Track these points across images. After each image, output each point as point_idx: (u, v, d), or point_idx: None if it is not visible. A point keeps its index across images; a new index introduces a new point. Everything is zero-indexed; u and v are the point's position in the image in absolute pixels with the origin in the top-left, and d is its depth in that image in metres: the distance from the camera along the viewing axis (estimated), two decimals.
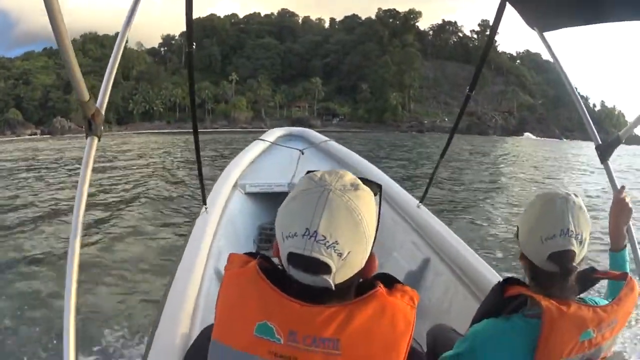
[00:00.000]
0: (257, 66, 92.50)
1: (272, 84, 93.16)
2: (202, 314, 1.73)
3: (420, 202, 3.02)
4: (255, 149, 4.14)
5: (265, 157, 4.14)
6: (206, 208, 2.71)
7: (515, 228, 1.23)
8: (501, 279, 1.28)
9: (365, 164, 3.88)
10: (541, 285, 1.13)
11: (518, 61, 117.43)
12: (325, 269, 0.80)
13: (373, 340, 0.80)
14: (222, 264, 2.15)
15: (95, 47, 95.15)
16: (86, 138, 1.20)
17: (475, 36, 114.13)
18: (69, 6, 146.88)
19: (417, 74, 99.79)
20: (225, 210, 3.05)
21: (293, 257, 0.81)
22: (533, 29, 1.97)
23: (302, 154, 3.95)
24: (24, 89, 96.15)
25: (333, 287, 0.80)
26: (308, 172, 0.91)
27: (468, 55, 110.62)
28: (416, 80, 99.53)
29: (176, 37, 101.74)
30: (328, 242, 0.79)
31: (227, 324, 0.87)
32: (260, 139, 4.26)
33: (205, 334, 1.01)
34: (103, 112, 1.22)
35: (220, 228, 2.71)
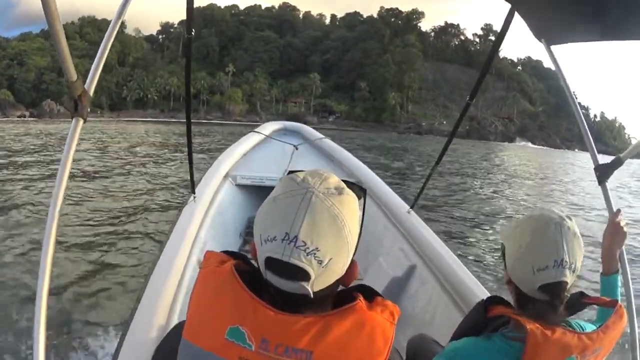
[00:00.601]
0: (254, 59, 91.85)
1: (269, 77, 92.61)
2: (180, 306, 1.71)
3: (411, 207, 3.01)
4: (249, 140, 4.11)
5: (259, 150, 4.12)
6: (194, 197, 2.68)
7: (500, 245, 1.17)
8: (486, 295, 1.27)
9: (358, 164, 3.86)
10: (528, 311, 1.09)
11: (519, 67, 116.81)
12: (304, 275, 0.77)
13: (348, 355, 0.77)
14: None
15: (92, 30, 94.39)
16: (71, 118, 1.17)
17: (477, 40, 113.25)
18: None
19: (417, 75, 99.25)
20: (214, 200, 3.03)
21: (271, 262, 0.78)
22: (540, 41, 1.99)
23: (297, 149, 3.95)
24: (17, 70, 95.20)
25: (311, 295, 0.78)
26: (290, 172, 0.87)
27: (469, 59, 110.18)
28: (416, 81, 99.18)
29: (175, 25, 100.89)
30: (308, 248, 0.76)
31: (198, 324, 0.83)
32: (256, 131, 4.25)
33: (178, 330, 0.97)
34: (91, 94, 1.18)
35: (207, 218, 2.69)
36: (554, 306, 1.07)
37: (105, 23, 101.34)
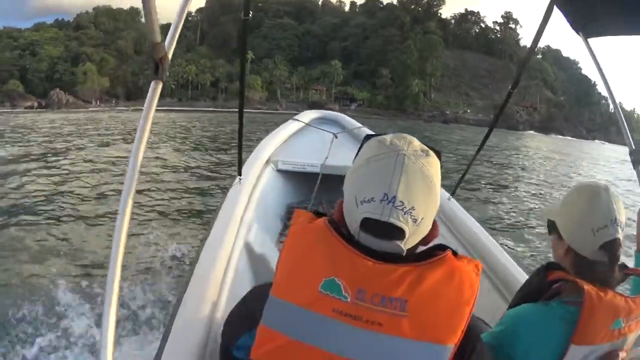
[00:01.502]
0: (273, 46, 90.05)
1: (289, 65, 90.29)
2: (229, 284, 1.79)
3: (451, 194, 3.08)
4: (289, 128, 4.18)
5: (299, 137, 4.20)
6: (240, 179, 2.79)
7: (548, 224, 1.27)
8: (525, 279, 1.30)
9: None
10: (585, 275, 1.16)
11: (539, 56, 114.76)
12: (400, 234, 0.79)
13: (439, 303, 0.79)
14: (251, 237, 2.41)
15: (108, 20, 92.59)
16: (150, 81, 1.19)
17: (497, 28, 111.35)
18: None
19: (439, 63, 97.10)
20: (257, 184, 3.12)
21: (368, 223, 0.80)
22: (578, 34, 2.04)
23: (336, 137, 3.99)
24: (29, 60, 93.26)
25: (404, 253, 0.80)
26: (368, 135, 0.90)
27: (489, 46, 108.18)
28: (438, 68, 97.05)
29: (192, 14, 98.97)
30: (405, 207, 0.78)
31: (289, 280, 0.84)
32: (295, 119, 4.34)
33: (256, 294, 1.00)
34: (169, 58, 1.19)
35: (251, 201, 2.77)
36: (612, 265, 1.14)
37: (120, 13, 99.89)
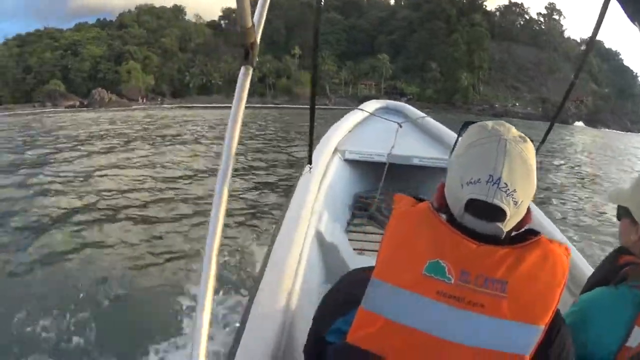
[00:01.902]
0: (321, 41, 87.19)
1: (337, 60, 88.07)
2: (302, 274, 1.85)
3: None
4: (354, 117, 4.20)
5: (365, 127, 4.23)
6: (310, 168, 2.83)
7: (618, 210, 1.27)
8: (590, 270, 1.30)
9: None
10: None
11: (582, 47, 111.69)
12: (502, 216, 0.82)
13: (536, 285, 0.81)
14: (322, 226, 2.48)
15: (151, 18, 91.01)
16: (240, 67, 1.19)
17: (541, 19, 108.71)
18: None
19: (486, 55, 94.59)
20: (326, 173, 3.18)
21: (474, 203, 0.83)
22: (634, 24, 1.98)
23: (400, 127, 4.00)
24: (71, 60, 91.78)
25: (503, 235, 0.84)
26: (466, 122, 0.95)
27: (534, 38, 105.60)
28: (486, 61, 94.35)
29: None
30: (508, 189, 0.81)
31: (393, 263, 0.85)
32: (359, 109, 4.36)
33: (350, 279, 1.04)
34: (258, 43, 1.20)
35: (321, 190, 2.85)
36: None
37: (163, 11, 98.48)
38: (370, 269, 0.88)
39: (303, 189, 2.52)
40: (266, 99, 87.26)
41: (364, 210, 3.35)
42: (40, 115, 51.92)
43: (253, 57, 1.16)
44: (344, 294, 0.99)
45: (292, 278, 1.70)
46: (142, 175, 10.95)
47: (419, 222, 0.86)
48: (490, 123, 0.90)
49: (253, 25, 1.11)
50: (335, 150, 3.60)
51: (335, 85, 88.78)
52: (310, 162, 2.80)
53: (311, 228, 2.21)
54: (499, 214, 0.82)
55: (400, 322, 0.82)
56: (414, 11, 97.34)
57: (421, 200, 0.93)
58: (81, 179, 10.42)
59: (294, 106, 78.54)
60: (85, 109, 73.19)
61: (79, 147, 17.22)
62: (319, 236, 2.36)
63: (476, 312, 0.80)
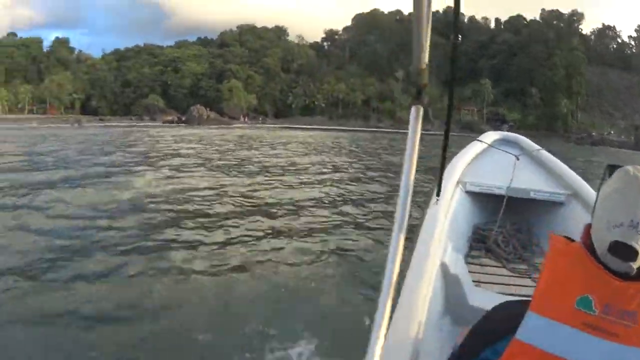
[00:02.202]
0: None
1: (440, 84, 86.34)
2: (428, 303, 1.96)
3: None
4: (474, 149, 4.42)
5: (483, 159, 4.42)
6: (437, 200, 2.96)
7: None
8: None
9: (575, 177, 4.09)
10: None
11: None
12: (635, 256, 0.94)
13: None
14: (446, 256, 2.60)
15: (252, 38, 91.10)
16: (410, 107, 1.26)
17: (632, 43, 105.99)
18: None
19: (583, 80, 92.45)
20: (450, 205, 3.37)
21: (616, 245, 0.94)
22: None
23: (518, 159, 4.19)
24: (171, 76, 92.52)
25: (633, 273, 0.96)
26: (610, 165, 1.08)
27: (627, 62, 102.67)
28: (583, 86, 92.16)
29: (339, 32, 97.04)
30: None
31: (549, 297, 0.97)
32: (478, 140, 4.58)
33: (499, 311, 1.15)
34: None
35: (446, 221, 3.00)
36: None
37: (265, 31, 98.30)
38: (525, 302, 1.00)
39: (432, 220, 2.63)
40: (370, 122, 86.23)
41: (481, 242, 3.44)
42: (136, 127, 56.10)
43: (424, 97, 1.21)
44: (496, 325, 1.08)
45: (424, 309, 1.77)
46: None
47: (573, 260, 0.98)
48: (631, 169, 1.00)
49: (427, 67, 1.15)
50: (458, 182, 3.76)
51: (438, 110, 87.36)
52: (438, 194, 2.76)
53: (436, 259, 2.33)
54: (633, 254, 0.93)
55: (554, 354, 0.92)
56: (514, 35, 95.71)
57: (570, 240, 1.05)
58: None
59: (400, 130, 77.61)
60: (182, 124, 72.83)
61: (168, 160, 18.43)
62: (443, 267, 2.48)
63: (612, 341, 0.91)
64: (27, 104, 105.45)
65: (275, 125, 77.69)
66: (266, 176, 13.01)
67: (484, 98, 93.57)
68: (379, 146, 32.31)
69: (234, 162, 16.57)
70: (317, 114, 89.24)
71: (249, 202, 9.38)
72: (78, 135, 37.04)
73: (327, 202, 9.79)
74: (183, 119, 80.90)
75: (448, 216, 3.09)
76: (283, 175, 13.66)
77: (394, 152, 27.79)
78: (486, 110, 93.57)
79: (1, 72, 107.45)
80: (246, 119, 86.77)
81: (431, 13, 1.00)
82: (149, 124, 72.99)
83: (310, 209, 8.70)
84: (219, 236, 6.62)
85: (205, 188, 10.86)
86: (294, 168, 16.15)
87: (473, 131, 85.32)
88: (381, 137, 47.26)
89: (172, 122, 78.88)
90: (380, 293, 1.02)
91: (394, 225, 1.09)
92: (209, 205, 8.79)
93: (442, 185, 2.74)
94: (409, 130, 1.23)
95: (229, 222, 7.60)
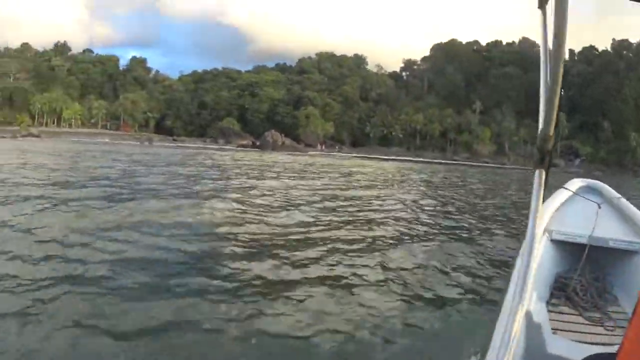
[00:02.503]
0: (500, 96, 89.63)
1: (517, 116, 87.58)
2: (513, 350, 2.08)
3: None
4: (560, 196, 4.54)
5: (568, 206, 4.50)
6: (527, 248, 2.91)
7: None
8: None
9: None
10: None
11: None
12: None
13: None
14: (532, 303, 2.76)
15: (332, 66, 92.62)
16: (534, 170, 1.39)
17: None
18: (303, 26, 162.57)
19: None
20: (537, 252, 3.47)
21: None
22: None
23: (600, 207, 4.20)
24: (248, 100, 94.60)
25: None
26: None
27: None
28: None
29: (418, 62, 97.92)
30: None
31: (635, 354, 1.03)
32: (564, 188, 4.73)
33: None
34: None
35: (532, 269, 3.03)
36: None
37: (345, 59, 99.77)
38: (610, 356, 1.07)
39: (521, 268, 2.66)
40: (446, 154, 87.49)
41: (562, 291, 3.50)
42: (209, 149, 59.82)
43: (548, 162, 1.25)
44: None
45: (510, 357, 1.91)
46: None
47: None
48: None
49: (554, 134, 1.17)
50: (545, 230, 3.85)
51: (514, 143, 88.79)
52: (529, 243, 2.95)
53: (523, 307, 2.41)
54: None
55: None
56: (587, 65, 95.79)
57: None
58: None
59: (474, 163, 78.35)
60: (256, 149, 74.75)
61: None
62: (528, 315, 2.60)
63: None
64: (100, 119, 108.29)
65: (351, 154, 79.23)
66: (336, 211, 11.75)
67: (558, 132, 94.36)
68: (457, 179, 32.26)
69: (293, 193, 15.35)
70: (395, 144, 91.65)
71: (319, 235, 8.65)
72: (146, 153, 40.25)
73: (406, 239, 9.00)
74: (257, 143, 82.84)
75: (535, 264, 3.19)
76: (353, 207, 12.71)
77: (467, 185, 27.98)
78: (560, 143, 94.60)
79: (76, 88, 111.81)
80: (323, 147, 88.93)
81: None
82: (223, 146, 79.05)
83: (387, 248, 7.95)
84: (268, 272, 6.09)
85: (258, 216, 10.12)
86: (365, 198, 15.43)
87: None
88: (454, 170, 47.37)
89: (246, 146, 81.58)
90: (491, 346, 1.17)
91: (512, 279, 1.74)
92: (269, 237, 8.12)
93: (531, 233, 2.99)
94: (533, 191, 1.38)
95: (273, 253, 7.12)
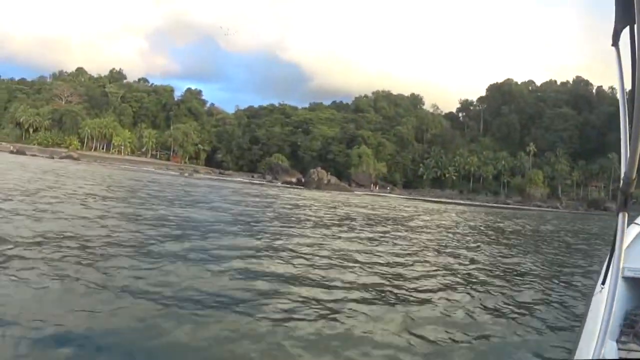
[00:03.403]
0: (554, 138, 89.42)
1: (570, 159, 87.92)
2: None
3: None
4: (633, 232, 4.36)
5: (638, 242, 4.42)
6: (602, 288, 3.05)
7: None
8: None
9: None
10: None
11: None
12: None
13: None
14: (607, 343, 2.63)
15: (388, 105, 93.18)
16: (617, 213, 1.42)
17: None
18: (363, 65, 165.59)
19: None
20: (610, 292, 3.35)
21: None
22: None
23: None
24: (301, 137, 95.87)
25: None
26: None
27: None
28: None
29: (474, 102, 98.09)
30: None
31: None
32: (635, 223, 4.57)
33: None
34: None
35: (607, 309, 3.00)
36: None
37: (401, 98, 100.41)
38: None
39: (596, 309, 2.86)
40: (499, 197, 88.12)
41: (631, 328, 3.49)
42: (250, 185, 60.39)
43: (630, 204, 1.33)
44: None
45: None
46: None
47: None
48: None
49: (637, 176, 1.23)
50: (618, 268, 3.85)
51: (567, 186, 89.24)
52: (604, 282, 3.09)
53: (595, 344, 2.46)
54: None
55: None
56: None
57: None
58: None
59: (522, 207, 78.82)
60: (300, 187, 75.25)
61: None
62: (597, 354, 2.61)
63: None
64: (150, 148, 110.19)
65: (400, 196, 79.35)
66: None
67: (610, 174, 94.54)
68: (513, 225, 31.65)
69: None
70: (448, 186, 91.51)
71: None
72: (176, 184, 40.93)
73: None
74: (302, 181, 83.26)
75: (607, 303, 3.07)
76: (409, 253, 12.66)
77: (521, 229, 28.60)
78: (612, 186, 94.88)
79: (129, 115, 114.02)
80: (377, 187, 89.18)
81: None
82: (267, 183, 79.16)
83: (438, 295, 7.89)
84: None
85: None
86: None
87: (598, 208, 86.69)
88: (511, 216, 45.06)
89: (291, 183, 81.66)
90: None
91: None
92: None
93: (615, 276, 3.02)
94: (616, 234, 1.48)
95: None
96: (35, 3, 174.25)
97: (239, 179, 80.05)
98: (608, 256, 2.95)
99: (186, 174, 77.53)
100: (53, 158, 77.17)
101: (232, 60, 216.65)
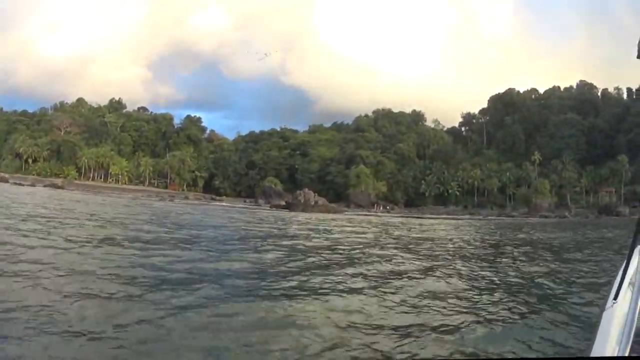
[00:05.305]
0: (560, 145, 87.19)
1: (578, 165, 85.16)
2: None
3: None
4: None
5: None
6: (614, 303, 2.99)
7: None
8: None
9: None
10: None
11: None
12: None
13: None
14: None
15: (389, 123, 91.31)
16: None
17: None
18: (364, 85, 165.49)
19: None
20: (622, 308, 3.34)
21: None
22: None
23: None
24: (299, 160, 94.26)
25: None
26: None
27: None
28: None
29: (476, 115, 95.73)
30: None
31: None
32: None
33: None
34: None
35: (618, 325, 3.03)
36: None
37: (402, 116, 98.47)
38: None
39: (607, 324, 2.68)
40: (506, 210, 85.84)
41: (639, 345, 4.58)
42: (239, 208, 61.15)
43: None
44: None
45: None
46: None
47: None
48: None
49: None
50: (630, 283, 3.66)
51: (576, 194, 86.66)
52: (616, 298, 2.93)
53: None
54: None
55: None
56: None
57: None
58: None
59: (528, 218, 76.78)
60: (286, 210, 71.65)
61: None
62: None
63: None
64: (147, 176, 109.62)
65: (397, 215, 76.21)
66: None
67: (621, 177, 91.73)
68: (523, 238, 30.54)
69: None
70: (452, 202, 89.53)
71: None
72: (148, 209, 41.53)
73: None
74: (287, 203, 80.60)
75: (618, 317, 3.14)
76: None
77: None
78: (624, 190, 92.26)
79: (128, 144, 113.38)
80: (380, 207, 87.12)
81: None
82: (250, 206, 77.03)
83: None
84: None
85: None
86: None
87: (610, 214, 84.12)
88: (518, 228, 43.57)
89: (279, 206, 78.81)
90: None
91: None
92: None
93: (617, 287, 3.14)
94: (630, 249, 1.68)
95: None
96: (40, 37, 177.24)
97: (225, 203, 78.56)
98: (621, 271, 2.83)
99: (168, 200, 77.67)
100: (34, 186, 78.14)
101: (236, 87, 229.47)
